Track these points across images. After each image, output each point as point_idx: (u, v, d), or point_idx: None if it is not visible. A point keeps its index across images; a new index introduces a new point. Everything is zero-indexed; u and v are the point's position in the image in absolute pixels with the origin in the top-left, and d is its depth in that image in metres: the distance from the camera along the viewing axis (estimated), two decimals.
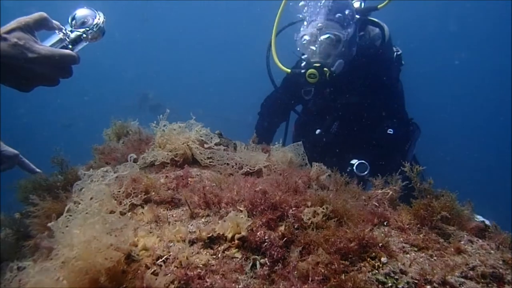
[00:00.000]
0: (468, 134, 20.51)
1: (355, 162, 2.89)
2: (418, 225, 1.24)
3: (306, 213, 1.21)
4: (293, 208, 1.25)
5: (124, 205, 1.42)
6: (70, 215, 1.12)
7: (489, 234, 1.19)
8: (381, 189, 1.56)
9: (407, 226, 1.24)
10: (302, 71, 3.14)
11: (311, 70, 3.07)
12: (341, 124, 3.35)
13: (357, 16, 3.34)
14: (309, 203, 1.20)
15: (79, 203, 1.21)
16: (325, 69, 3.07)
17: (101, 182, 1.33)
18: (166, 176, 1.63)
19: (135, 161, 1.77)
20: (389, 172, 2.84)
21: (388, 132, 3.09)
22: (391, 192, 1.49)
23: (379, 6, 3.66)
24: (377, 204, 1.47)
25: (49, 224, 1.08)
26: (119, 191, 1.46)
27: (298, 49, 3.35)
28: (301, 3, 3.39)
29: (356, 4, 3.55)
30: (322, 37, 3.11)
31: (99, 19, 1.51)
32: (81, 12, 1.52)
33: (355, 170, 2.85)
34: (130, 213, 1.40)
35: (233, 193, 1.37)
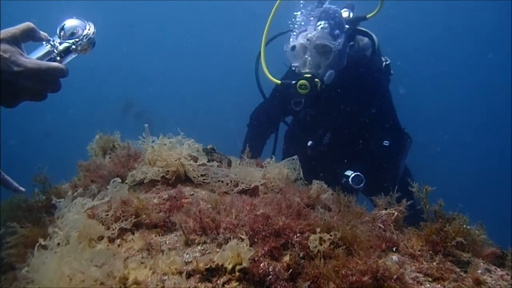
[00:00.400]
0: (467, 136, 20.39)
1: (350, 174, 2.82)
2: (431, 252, 1.17)
3: (312, 240, 1.12)
4: (298, 235, 1.16)
5: (113, 230, 1.31)
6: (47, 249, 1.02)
7: (508, 262, 1.12)
8: (385, 209, 1.48)
9: (419, 253, 1.17)
10: (293, 82, 3.09)
11: (302, 81, 3.03)
12: (333, 135, 3.30)
13: (347, 26, 3.32)
14: (318, 229, 1.11)
15: (57, 234, 1.11)
16: (316, 79, 3.04)
17: (80, 211, 1.23)
18: (158, 196, 1.53)
19: (123, 179, 1.66)
20: (383, 183, 2.79)
21: (384, 144, 3.05)
22: (396, 213, 1.42)
23: (368, 16, 3.67)
24: (382, 226, 1.40)
25: (23, 269, 0.97)
26: (107, 215, 1.35)
27: (291, 62, 3.31)
28: (296, 12, 3.35)
29: (345, 14, 3.54)
30: (313, 48, 3.07)
31: (89, 29, 1.41)
32: (70, 23, 1.42)
33: (350, 182, 2.78)
34: (119, 239, 1.28)
35: (231, 217, 1.28)
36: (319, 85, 3.03)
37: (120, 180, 1.44)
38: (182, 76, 25.65)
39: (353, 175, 2.80)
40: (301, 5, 3.65)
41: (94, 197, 1.46)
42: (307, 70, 3.11)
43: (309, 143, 3.32)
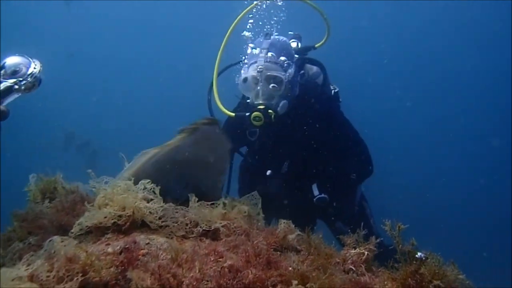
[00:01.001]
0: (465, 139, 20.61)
1: (316, 194, 3.01)
2: None
3: None
4: None
5: None
6: None
7: None
8: (354, 248, 1.43)
9: None
10: (247, 114, 3.06)
11: (256, 113, 3.02)
12: (291, 163, 3.29)
13: (296, 56, 3.37)
14: (294, 282, 1.02)
15: None
16: (270, 110, 3.03)
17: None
18: (108, 248, 1.36)
19: (67, 229, 1.48)
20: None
21: (351, 177, 3.14)
22: (366, 253, 1.37)
23: (316, 46, 3.79)
24: (353, 268, 1.34)
25: None
26: (49, 276, 1.17)
27: (244, 93, 3.30)
28: (249, 46, 3.36)
29: (293, 44, 3.61)
30: (264, 79, 3.08)
31: (34, 67, 1.28)
32: (12, 60, 1.29)
33: (315, 202, 2.97)
34: None
35: (195, 271, 1.15)
36: (273, 116, 3.02)
37: (58, 240, 1.26)
38: (129, 103, 24.89)
39: (318, 196, 2.99)
40: (250, 38, 3.70)
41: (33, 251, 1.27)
42: (260, 102, 3.10)
43: (268, 172, 3.28)
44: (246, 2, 3.87)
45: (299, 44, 3.69)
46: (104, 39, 25.77)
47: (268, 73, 3.07)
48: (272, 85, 3.08)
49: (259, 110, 3.01)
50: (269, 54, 3.12)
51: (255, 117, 3.01)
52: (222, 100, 3.33)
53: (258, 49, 3.18)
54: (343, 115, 3.53)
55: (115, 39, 25.98)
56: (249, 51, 3.31)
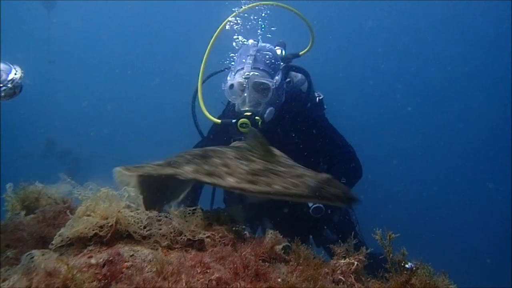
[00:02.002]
0: (465, 138, 20.60)
1: (311, 205, 2.95)
2: None
3: None
4: None
5: None
6: None
7: None
8: (344, 258, 1.41)
9: None
10: (233, 120, 3.04)
11: (243, 120, 3.00)
12: None
13: (282, 64, 3.37)
14: None
15: None
16: (256, 117, 3.02)
17: None
18: (90, 261, 1.31)
19: (48, 241, 1.42)
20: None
21: (342, 181, 3.12)
22: (356, 263, 1.35)
23: (300, 53, 3.81)
24: (342, 278, 1.32)
25: None
26: None
27: (230, 100, 3.27)
28: (231, 53, 3.35)
29: (278, 52, 3.61)
30: (251, 86, 3.07)
31: (15, 74, 1.24)
32: None
33: (310, 212, 2.92)
34: None
35: (181, 284, 1.12)
36: (260, 122, 3.02)
37: (37, 254, 1.21)
38: (111, 111, 24.54)
39: (313, 206, 2.93)
40: (235, 46, 3.70)
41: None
42: (246, 108, 3.09)
43: None
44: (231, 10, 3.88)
45: (284, 52, 3.71)
46: (85, 46, 25.47)
47: (256, 80, 3.06)
48: (258, 91, 3.08)
49: (246, 116, 2.99)
50: (257, 60, 3.11)
51: (242, 123, 2.99)
52: (207, 107, 3.31)
53: (245, 55, 3.17)
54: (328, 121, 3.54)
55: (96, 47, 25.71)
56: (236, 57, 3.30)
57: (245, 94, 3.08)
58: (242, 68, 3.12)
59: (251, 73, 3.06)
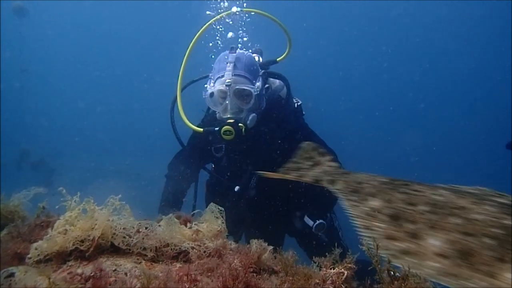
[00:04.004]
0: (465, 138, 20.74)
1: (312, 224, 3.06)
2: None
3: None
4: None
5: None
6: None
7: None
8: (332, 268, 1.39)
9: None
10: (216, 128, 3.01)
11: (226, 127, 2.98)
12: (260, 178, 3.25)
13: (261, 70, 3.38)
14: None
15: None
16: (240, 124, 3.02)
17: None
18: (71, 277, 1.25)
19: (23, 257, 1.35)
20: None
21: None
22: (346, 273, 1.33)
23: (278, 59, 3.83)
24: None
25: None
26: None
27: (211, 108, 3.26)
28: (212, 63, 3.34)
29: (256, 58, 3.61)
30: (233, 93, 3.05)
31: None
32: None
33: (313, 230, 3.05)
34: None
35: None
36: (243, 129, 3.01)
37: (11, 271, 1.14)
38: (86, 120, 24.03)
39: (315, 224, 3.05)
40: (213, 56, 3.70)
41: None
42: (229, 116, 3.08)
43: (236, 188, 3.23)
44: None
45: (261, 59, 3.72)
46: (59, 54, 24.96)
47: (237, 87, 3.04)
48: (240, 98, 3.07)
49: (229, 124, 2.98)
50: (236, 67, 3.10)
51: (225, 131, 2.97)
52: (186, 115, 3.27)
53: (224, 63, 3.15)
54: (308, 126, 3.56)
55: (69, 54, 25.23)
56: (215, 65, 3.28)
57: (227, 102, 3.07)
58: (222, 76, 3.10)
59: (232, 79, 3.05)
